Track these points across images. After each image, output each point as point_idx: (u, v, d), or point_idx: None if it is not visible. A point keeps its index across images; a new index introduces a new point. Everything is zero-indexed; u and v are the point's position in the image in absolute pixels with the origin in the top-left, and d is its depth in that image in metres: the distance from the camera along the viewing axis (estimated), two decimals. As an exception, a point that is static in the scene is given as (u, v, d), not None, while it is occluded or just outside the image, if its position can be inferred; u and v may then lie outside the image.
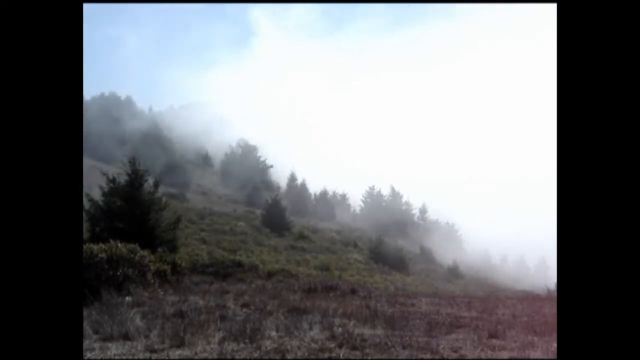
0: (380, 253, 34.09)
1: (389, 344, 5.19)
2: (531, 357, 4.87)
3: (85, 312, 6.67)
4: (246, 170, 56.62)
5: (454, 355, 4.86)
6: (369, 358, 4.70)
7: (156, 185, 16.97)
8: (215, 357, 4.74)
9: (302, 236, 34.83)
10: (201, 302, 8.05)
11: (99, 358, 4.76)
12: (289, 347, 5.02)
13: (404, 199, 61.17)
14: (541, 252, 54.10)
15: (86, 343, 5.17)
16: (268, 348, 4.99)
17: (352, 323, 6.41)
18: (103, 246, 9.64)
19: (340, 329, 5.91)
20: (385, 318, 6.91)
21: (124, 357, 4.78)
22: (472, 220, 60.86)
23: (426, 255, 42.91)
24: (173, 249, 16.25)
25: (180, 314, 6.90)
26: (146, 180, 16.54)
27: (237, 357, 4.72)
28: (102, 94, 68.82)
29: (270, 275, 18.73)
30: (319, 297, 9.42)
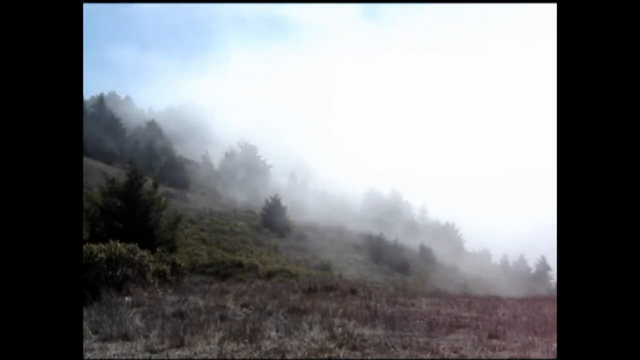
0: (380, 253, 34.09)
1: (389, 344, 5.19)
2: (531, 357, 4.87)
3: (85, 312, 6.67)
4: (246, 170, 56.67)
5: (454, 356, 4.86)
6: (369, 358, 4.70)
7: (155, 185, 16.99)
8: (215, 357, 4.73)
9: (302, 236, 34.81)
10: (201, 302, 8.04)
11: (99, 358, 4.76)
12: (289, 347, 5.01)
13: (404, 199, 61.27)
14: (541, 252, 54.14)
15: (86, 343, 5.17)
16: (268, 348, 4.98)
17: (352, 323, 6.40)
18: (103, 246, 9.63)
19: (340, 329, 5.91)
20: (385, 318, 6.90)
21: (123, 357, 4.78)
22: (472, 220, 61.00)
23: (426, 255, 42.93)
24: (172, 249, 16.28)
25: (180, 314, 6.89)
26: (145, 180, 16.56)
27: (237, 357, 4.72)
28: (102, 94, 68.78)
29: (270, 275, 18.77)
30: (319, 297, 9.41)
